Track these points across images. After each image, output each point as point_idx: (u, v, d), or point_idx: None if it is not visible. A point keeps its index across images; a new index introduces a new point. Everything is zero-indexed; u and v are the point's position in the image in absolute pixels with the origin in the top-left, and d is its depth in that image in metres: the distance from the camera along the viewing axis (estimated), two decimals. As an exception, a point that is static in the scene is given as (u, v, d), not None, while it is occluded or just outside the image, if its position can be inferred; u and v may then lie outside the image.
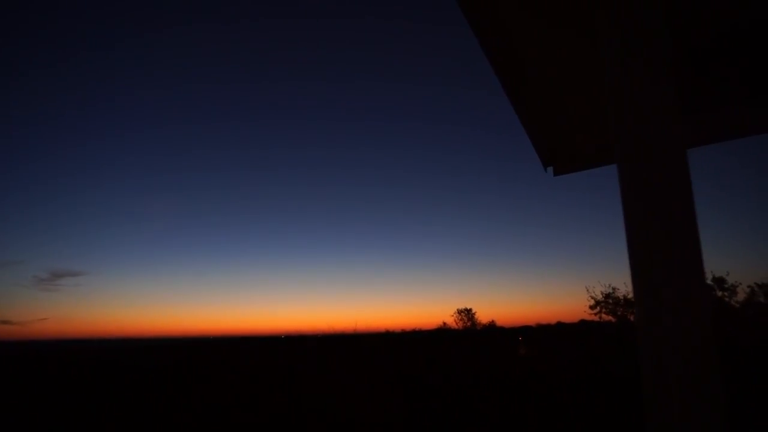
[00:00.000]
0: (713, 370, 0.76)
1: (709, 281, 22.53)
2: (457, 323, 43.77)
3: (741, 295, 22.73)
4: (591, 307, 27.61)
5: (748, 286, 22.62)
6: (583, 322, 35.11)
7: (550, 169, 3.03)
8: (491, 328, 44.66)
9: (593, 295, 27.45)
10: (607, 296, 26.82)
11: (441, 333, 42.71)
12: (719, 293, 22.59)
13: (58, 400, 11.59)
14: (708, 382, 0.75)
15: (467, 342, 31.88)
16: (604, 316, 27.17)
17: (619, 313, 26.12)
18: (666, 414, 0.78)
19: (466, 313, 43.89)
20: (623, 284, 25.94)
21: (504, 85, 2.15)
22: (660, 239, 0.84)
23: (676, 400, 0.77)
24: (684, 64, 2.13)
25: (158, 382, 15.00)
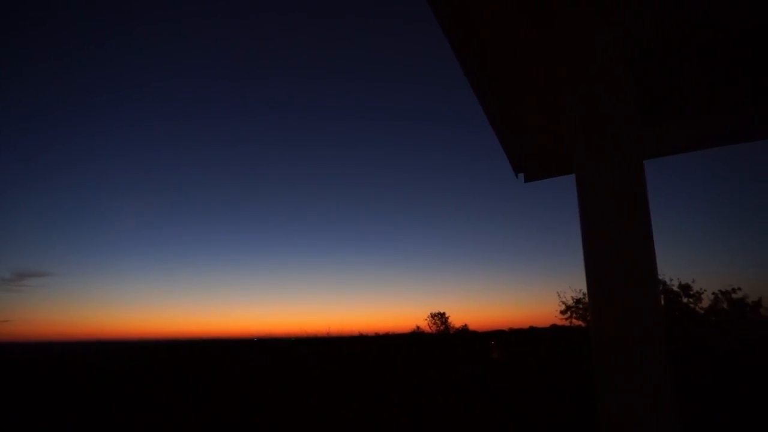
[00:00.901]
0: (665, 374, 0.78)
1: (675, 288, 23.15)
2: (430, 327, 44.05)
3: (706, 302, 23.44)
4: (562, 312, 28.03)
5: (713, 293, 23.33)
6: (554, 327, 35.63)
7: (521, 175, 3.07)
8: (464, 332, 45.00)
9: (564, 300, 27.87)
10: (577, 301, 27.23)
11: (415, 337, 42.81)
12: (685, 300, 23.22)
13: (19, 403, 11.22)
14: (660, 386, 0.77)
15: (441, 345, 31.99)
16: (574, 320, 27.62)
17: (588, 318, 26.57)
18: (617, 415, 0.79)
19: (440, 317, 44.20)
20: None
21: (476, 92, 2.18)
22: (613, 249, 0.84)
23: (626, 404, 0.78)
24: (645, 76, 2.19)
25: (126, 385, 14.65)
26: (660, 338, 0.80)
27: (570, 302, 27.63)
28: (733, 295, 23.05)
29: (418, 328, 44.63)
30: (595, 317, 0.84)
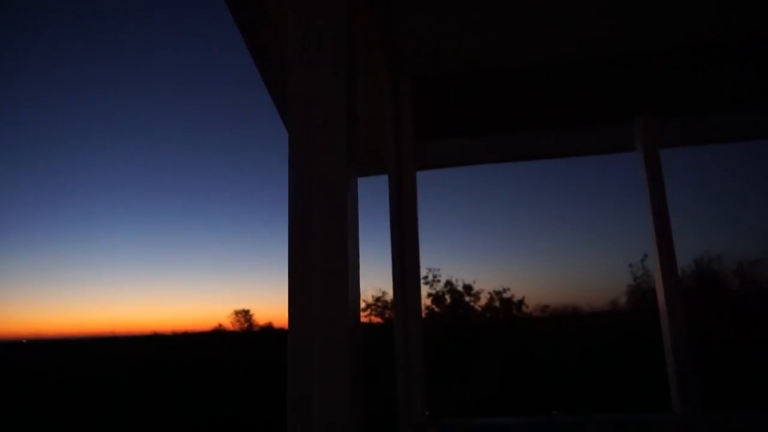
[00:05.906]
0: (354, 377, 0.82)
1: (460, 288, 26.17)
2: (234, 325, 42.81)
3: (483, 301, 27.01)
4: (362, 310, 29.54)
5: (488, 293, 26.97)
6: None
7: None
8: (269, 329, 44.63)
9: (364, 298, 29.45)
10: (377, 299, 29.01)
11: (216, 335, 41.18)
12: (467, 299, 26.41)
13: None
14: (347, 390, 0.80)
15: (243, 344, 31.18)
16: (374, 318, 29.34)
17: (386, 315, 28.47)
18: (305, 411, 0.81)
19: (244, 315, 43.22)
20: (391, 288, 28.37)
21: (271, 93, 2.15)
22: (308, 260, 0.87)
23: (316, 406, 0.80)
24: (423, 97, 2.48)
25: None
26: (352, 351, 0.83)
27: (370, 300, 29.32)
28: (503, 295, 26.95)
29: (220, 325, 43.07)
30: (289, 321, 0.84)
